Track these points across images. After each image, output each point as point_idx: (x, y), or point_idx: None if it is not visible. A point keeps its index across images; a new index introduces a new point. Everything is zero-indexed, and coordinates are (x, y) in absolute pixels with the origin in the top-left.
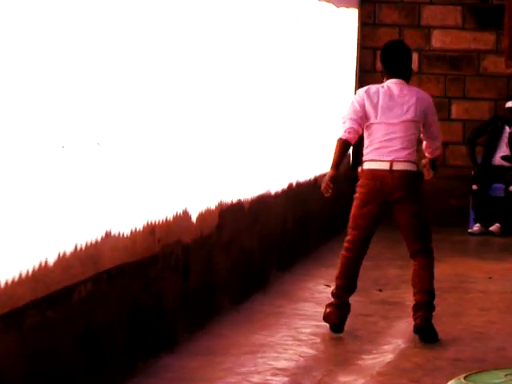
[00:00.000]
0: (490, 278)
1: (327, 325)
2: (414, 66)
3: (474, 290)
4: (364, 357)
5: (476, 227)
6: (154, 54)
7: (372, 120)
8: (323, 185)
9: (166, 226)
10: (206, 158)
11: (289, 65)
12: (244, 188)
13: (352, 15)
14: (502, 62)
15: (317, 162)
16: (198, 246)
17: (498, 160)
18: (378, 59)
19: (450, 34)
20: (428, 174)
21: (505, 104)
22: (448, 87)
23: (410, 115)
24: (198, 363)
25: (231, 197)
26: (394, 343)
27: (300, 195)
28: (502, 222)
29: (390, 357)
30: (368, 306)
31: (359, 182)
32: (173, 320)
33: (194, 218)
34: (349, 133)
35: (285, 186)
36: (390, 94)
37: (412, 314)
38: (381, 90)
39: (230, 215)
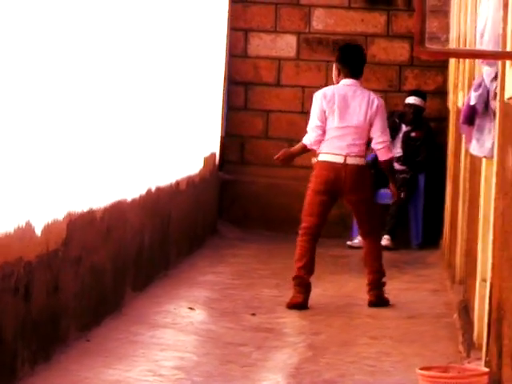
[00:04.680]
0: None
1: (192, 356)
2: (292, 51)
3: (363, 315)
4: None
5: (357, 239)
6: None
7: (329, 123)
8: (278, 156)
9: (6, 240)
10: (52, 160)
11: (145, 50)
12: (96, 195)
13: None
14: (394, 47)
15: (178, 165)
16: (42, 264)
17: None
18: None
19: (333, 15)
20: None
21: (397, 97)
22: (330, 76)
23: (360, 119)
24: None
25: (81, 205)
26: (271, 379)
27: (160, 203)
28: (392, 234)
29: None
30: (240, 333)
31: (315, 172)
32: (11, 352)
33: (38, 231)
34: (315, 144)
35: (143, 192)
36: (344, 97)
37: (367, 290)
38: (336, 94)
39: (80, 227)
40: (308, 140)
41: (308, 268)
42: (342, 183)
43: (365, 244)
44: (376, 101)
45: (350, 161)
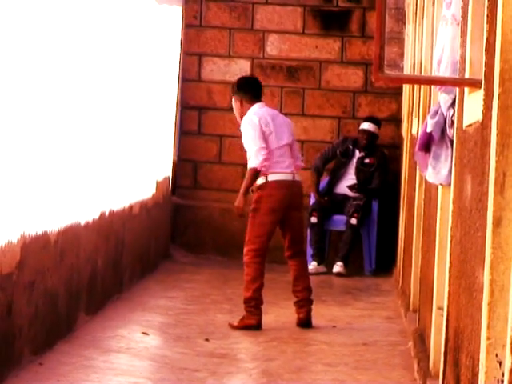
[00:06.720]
0: (333, 326)
1: (147, 382)
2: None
3: (317, 341)
4: None
5: (311, 266)
6: None
7: (270, 144)
8: (237, 210)
9: None
10: (5, 182)
11: (99, 75)
12: (50, 218)
13: (175, 14)
14: (348, 73)
15: (132, 189)
16: None
17: (341, 188)
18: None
19: (287, 40)
20: None
21: (350, 123)
22: (284, 102)
23: (289, 137)
24: None
25: (35, 228)
26: None
27: (113, 227)
28: (345, 261)
29: None
30: (194, 358)
31: (265, 192)
32: None
33: None
34: (263, 165)
35: (96, 216)
36: (273, 117)
37: (296, 308)
38: (267, 116)
39: (34, 250)
40: (255, 164)
41: (261, 289)
42: (292, 200)
43: (296, 263)
44: (289, 120)
45: (297, 177)
